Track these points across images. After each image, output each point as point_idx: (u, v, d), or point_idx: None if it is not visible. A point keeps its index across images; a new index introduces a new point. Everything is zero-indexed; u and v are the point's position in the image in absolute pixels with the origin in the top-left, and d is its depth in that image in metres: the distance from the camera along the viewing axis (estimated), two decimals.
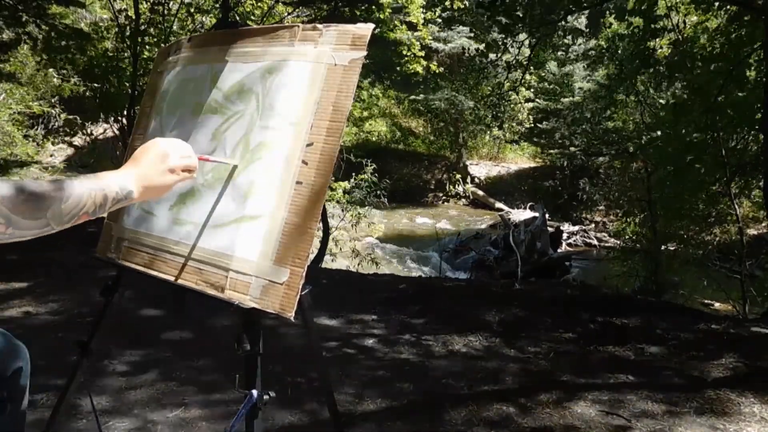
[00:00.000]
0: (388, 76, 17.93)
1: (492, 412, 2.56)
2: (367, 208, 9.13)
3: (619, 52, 7.30)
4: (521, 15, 6.04)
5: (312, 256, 6.50)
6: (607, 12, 7.17)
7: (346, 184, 8.80)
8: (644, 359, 3.38)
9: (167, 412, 2.41)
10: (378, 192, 9.37)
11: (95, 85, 8.46)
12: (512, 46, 6.84)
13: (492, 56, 8.12)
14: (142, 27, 7.68)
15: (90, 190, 0.95)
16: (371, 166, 9.24)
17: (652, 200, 7.68)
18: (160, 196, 1.10)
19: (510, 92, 9.28)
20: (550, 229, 11.16)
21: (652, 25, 5.95)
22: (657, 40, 6.37)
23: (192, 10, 8.62)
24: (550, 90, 16.87)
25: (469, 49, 13.65)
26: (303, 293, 1.23)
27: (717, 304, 7.65)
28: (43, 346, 2.89)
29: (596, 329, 3.93)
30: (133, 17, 7.64)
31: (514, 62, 7.20)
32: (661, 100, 9.22)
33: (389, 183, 9.94)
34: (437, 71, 13.70)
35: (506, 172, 18.01)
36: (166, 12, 8.03)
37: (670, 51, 7.28)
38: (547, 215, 11.03)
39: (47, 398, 2.39)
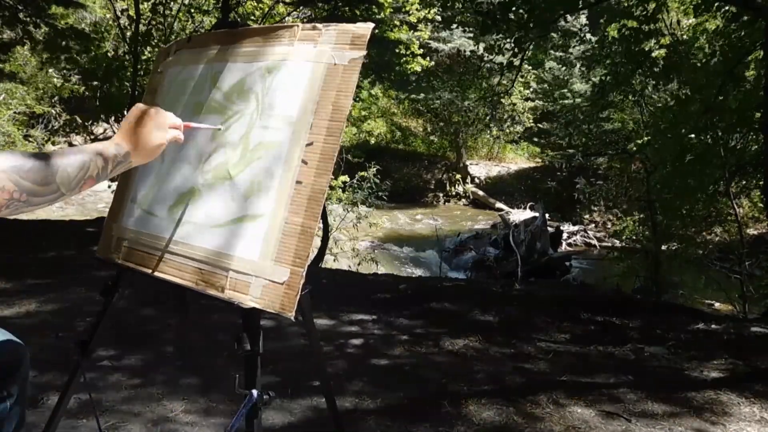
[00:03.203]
0: (387, 76, 17.94)
1: (492, 412, 2.56)
2: (369, 209, 9.13)
3: (612, 51, 7.30)
4: (517, 18, 6.03)
5: (312, 256, 6.50)
6: (599, 14, 7.13)
7: (346, 177, 8.80)
8: (644, 359, 3.39)
9: (167, 411, 2.41)
10: (379, 193, 9.38)
11: (95, 84, 8.47)
12: (506, 49, 6.82)
13: (486, 57, 8.11)
14: (143, 27, 7.69)
15: (90, 155, 1.00)
16: (374, 167, 9.25)
17: (652, 200, 7.68)
18: (155, 154, 1.14)
19: (504, 93, 9.26)
20: (550, 229, 11.15)
21: (645, 27, 5.94)
22: (652, 41, 6.35)
23: (192, 10, 8.62)
24: (548, 91, 16.87)
25: (465, 50, 13.65)
26: (303, 293, 1.23)
27: (717, 304, 7.65)
28: (43, 346, 2.90)
29: (596, 329, 3.94)
30: (134, 18, 7.65)
31: (507, 63, 7.19)
32: (659, 104, 9.22)
33: (389, 183, 9.94)
34: (430, 68, 13.66)
35: (506, 172, 18.01)
36: (166, 12, 8.04)
37: (665, 53, 7.27)
38: (547, 215, 11.03)
39: (47, 398, 2.39)
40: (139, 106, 1.15)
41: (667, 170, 7.04)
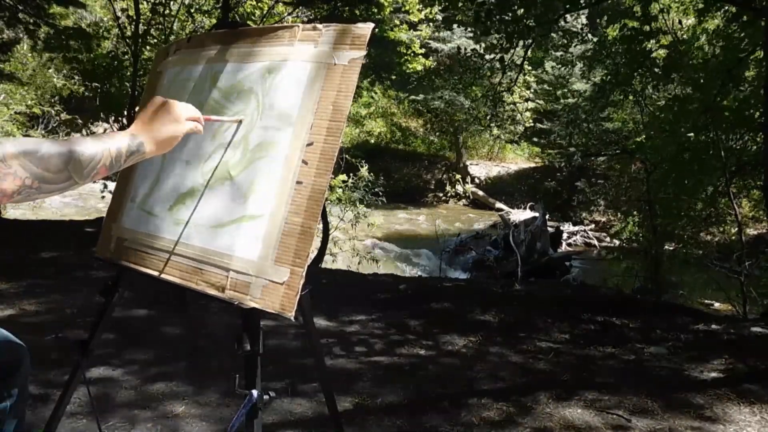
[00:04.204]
0: (387, 76, 17.95)
1: (492, 412, 2.56)
2: (366, 208, 9.13)
3: (613, 51, 7.28)
4: (518, 17, 6.04)
5: (312, 256, 6.50)
6: (600, 13, 7.14)
7: (344, 176, 8.83)
8: (644, 359, 3.39)
9: (167, 411, 2.41)
10: (375, 190, 9.39)
11: (94, 85, 8.47)
12: (509, 48, 6.82)
13: (488, 57, 8.11)
14: (143, 27, 7.69)
15: (103, 144, 0.99)
16: (365, 166, 9.29)
17: (652, 200, 7.67)
18: (170, 146, 1.14)
19: (504, 92, 9.26)
20: (550, 229, 11.15)
21: (646, 27, 5.94)
22: (652, 41, 6.34)
23: (192, 10, 8.62)
24: (549, 91, 16.88)
25: (465, 49, 13.67)
26: (303, 293, 1.23)
27: (717, 304, 7.64)
28: (43, 346, 2.90)
29: (596, 329, 3.94)
30: (134, 17, 7.65)
31: (509, 63, 7.18)
32: (659, 102, 9.22)
33: (389, 183, 9.97)
34: (430, 67, 13.65)
35: (506, 172, 18.01)
36: (166, 12, 8.04)
37: (666, 53, 7.28)
38: (547, 215, 11.03)
39: (47, 398, 2.39)
40: (157, 98, 1.15)
41: (665, 168, 7.03)
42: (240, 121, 1.37)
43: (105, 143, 0.99)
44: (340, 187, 8.74)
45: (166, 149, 1.13)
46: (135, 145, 1.05)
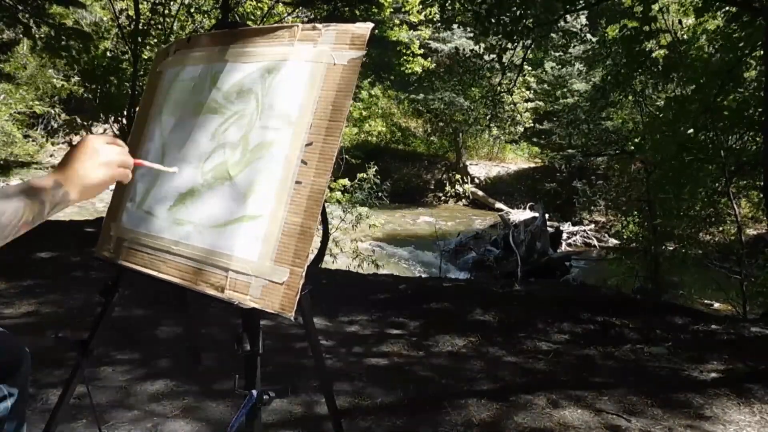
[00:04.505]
0: (387, 76, 17.97)
1: (491, 412, 2.56)
2: (369, 210, 9.11)
3: (613, 50, 7.29)
4: (517, 17, 6.05)
5: (312, 256, 6.47)
6: (600, 13, 7.16)
7: (345, 182, 8.82)
8: (644, 359, 3.39)
9: (167, 411, 2.41)
10: (379, 193, 9.38)
11: (93, 86, 8.47)
12: (507, 49, 6.83)
13: (487, 57, 8.12)
14: (142, 27, 7.69)
15: (25, 199, 0.93)
16: (373, 167, 9.27)
17: (652, 200, 7.67)
18: (98, 192, 1.06)
19: (504, 93, 9.28)
20: (550, 229, 11.15)
21: (646, 27, 5.94)
22: (652, 41, 6.34)
23: (192, 10, 8.63)
24: (548, 91, 16.89)
25: (463, 50, 13.70)
26: (303, 293, 1.23)
27: (717, 304, 7.64)
28: (43, 346, 2.90)
29: (596, 329, 3.94)
30: (134, 17, 7.65)
31: (508, 64, 7.21)
32: (659, 102, 9.23)
33: (390, 184, 9.94)
34: (430, 68, 13.65)
35: (506, 172, 18.02)
36: (166, 12, 8.04)
37: (665, 53, 7.27)
38: (546, 215, 11.03)
39: (47, 398, 2.39)
40: (87, 139, 1.06)
41: (665, 168, 7.03)
42: (174, 171, 1.35)
43: (27, 198, 0.93)
44: (340, 190, 8.72)
45: (93, 195, 1.06)
46: (59, 196, 0.98)
